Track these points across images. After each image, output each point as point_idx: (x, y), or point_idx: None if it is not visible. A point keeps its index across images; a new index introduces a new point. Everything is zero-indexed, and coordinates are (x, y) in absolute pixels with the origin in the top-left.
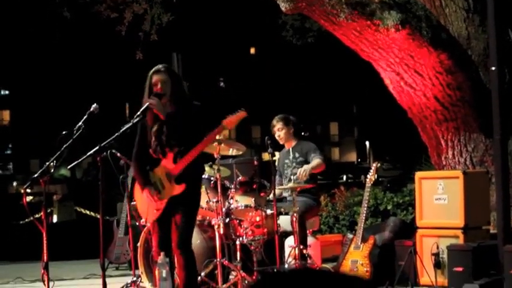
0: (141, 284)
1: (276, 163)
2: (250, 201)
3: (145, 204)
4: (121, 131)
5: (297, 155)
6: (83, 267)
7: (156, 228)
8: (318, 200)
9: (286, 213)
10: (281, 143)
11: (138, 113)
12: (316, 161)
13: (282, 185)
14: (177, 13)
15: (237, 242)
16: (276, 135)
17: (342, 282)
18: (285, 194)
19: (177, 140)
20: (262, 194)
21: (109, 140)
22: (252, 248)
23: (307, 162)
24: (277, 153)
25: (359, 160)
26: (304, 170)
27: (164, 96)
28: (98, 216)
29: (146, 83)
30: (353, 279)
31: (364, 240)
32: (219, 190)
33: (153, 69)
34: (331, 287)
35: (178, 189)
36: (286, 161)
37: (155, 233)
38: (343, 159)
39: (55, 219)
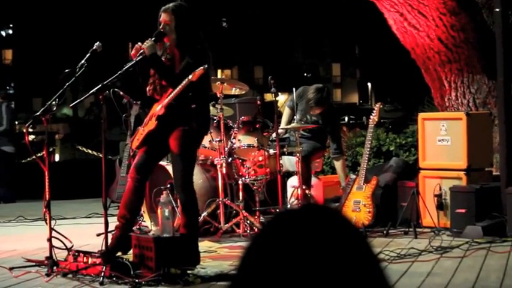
0: (142, 223)
1: (293, 100)
2: (253, 140)
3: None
4: (124, 69)
5: (315, 118)
6: (84, 206)
7: (138, 153)
8: (324, 143)
9: (290, 154)
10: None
11: (141, 51)
12: (340, 162)
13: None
14: None
15: (240, 182)
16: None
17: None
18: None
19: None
20: (265, 134)
21: (112, 78)
22: (255, 187)
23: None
24: (280, 95)
25: (361, 101)
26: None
27: (167, 36)
28: (100, 155)
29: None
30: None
31: (366, 181)
32: (221, 129)
33: (164, 6)
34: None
35: (151, 125)
36: (308, 117)
37: (136, 156)
38: (345, 100)
39: (57, 158)
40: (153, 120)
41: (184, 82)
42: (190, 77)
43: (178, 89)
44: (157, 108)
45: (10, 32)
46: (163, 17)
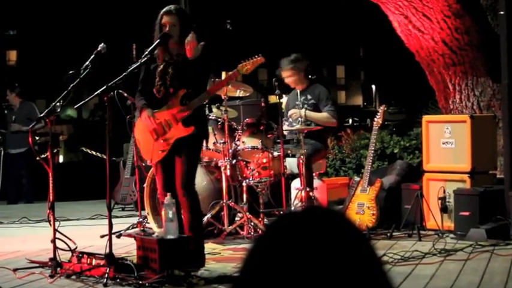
0: (147, 225)
1: (283, 105)
2: (257, 142)
3: (150, 145)
4: (128, 70)
5: (309, 96)
6: (88, 207)
7: (159, 169)
8: (326, 143)
9: (293, 155)
10: (291, 86)
11: (146, 52)
12: (324, 114)
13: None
14: None
15: (244, 184)
16: (286, 80)
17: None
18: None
19: (182, 82)
20: (269, 136)
21: (116, 80)
22: (258, 189)
23: (318, 106)
24: (284, 97)
25: (365, 104)
26: (299, 114)
27: (172, 38)
28: (104, 157)
29: (156, 22)
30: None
31: (370, 183)
32: (226, 131)
33: (164, 9)
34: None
35: (185, 131)
36: (297, 102)
37: (159, 173)
38: (349, 102)
39: (61, 159)
40: (181, 126)
41: (202, 96)
42: (239, 69)
43: (224, 80)
44: (172, 114)
45: (14, 32)
46: (167, 19)
